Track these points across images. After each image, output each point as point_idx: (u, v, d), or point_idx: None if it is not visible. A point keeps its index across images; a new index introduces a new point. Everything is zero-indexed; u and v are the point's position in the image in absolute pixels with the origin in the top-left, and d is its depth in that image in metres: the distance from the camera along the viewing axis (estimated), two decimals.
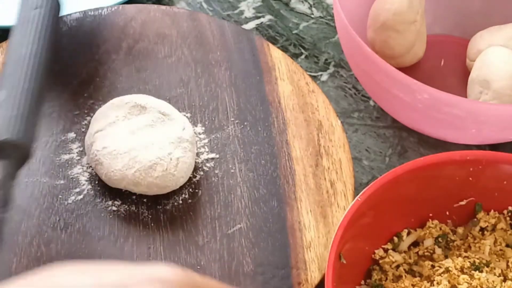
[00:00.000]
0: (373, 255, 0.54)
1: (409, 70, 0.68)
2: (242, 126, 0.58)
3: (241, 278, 0.50)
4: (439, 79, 0.70)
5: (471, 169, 0.54)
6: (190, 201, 0.55)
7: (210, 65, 0.63)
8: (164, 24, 0.66)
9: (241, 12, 0.77)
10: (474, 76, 0.65)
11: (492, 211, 0.56)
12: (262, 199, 0.54)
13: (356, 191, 0.62)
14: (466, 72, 0.68)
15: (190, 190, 0.55)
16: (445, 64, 0.72)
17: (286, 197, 0.54)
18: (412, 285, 0.51)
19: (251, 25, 0.76)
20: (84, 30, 0.65)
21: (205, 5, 0.78)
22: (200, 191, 0.55)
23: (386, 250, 0.54)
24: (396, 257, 0.53)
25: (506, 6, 0.72)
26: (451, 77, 0.71)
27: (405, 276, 0.52)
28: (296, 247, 0.51)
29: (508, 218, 0.56)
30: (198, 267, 0.51)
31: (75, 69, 0.62)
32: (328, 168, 0.56)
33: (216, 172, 0.56)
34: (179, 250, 0.52)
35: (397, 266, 0.53)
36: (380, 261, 0.53)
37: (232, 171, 0.56)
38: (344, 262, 0.49)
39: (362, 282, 0.53)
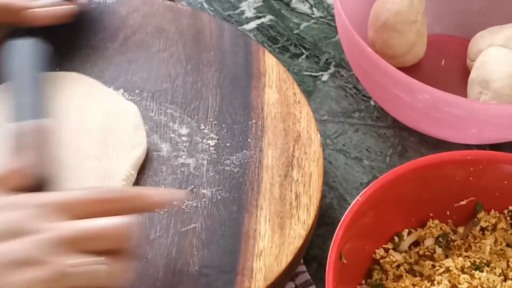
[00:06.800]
0: (373, 255, 0.54)
1: (410, 70, 0.68)
2: (219, 127, 0.58)
3: (184, 277, 0.50)
4: (440, 79, 0.70)
5: (471, 169, 0.54)
6: None
7: (201, 64, 0.63)
8: (165, 18, 0.66)
9: (242, 12, 0.77)
10: (474, 76, 0.65)
11: (493, 210, 0.56)
12: (223, 202, 0.54)
13: (357, 191, 0.63)
14: (467, 72, 0.68)
15: (153, 183, 0.55)
16: (446, 64, 0.72)
17: (247, 203, 0.54)
18: (413, 284, 0.51)
19: (252, 25, 0.76)
20: (85, 16, 0.66)
21: (206, 5, 0.78)
22: (163, 186, 0.55)
23: (386, 250, 0.54)
24: (397, 257, 0.53)
25: (506, 6, 0.72)
26: (451, 77, 0.71)
27: (405, 275, 0.52)
28: (246, 254, 0.51)
29: (508, 218, 0.56)
30: (144, 260, 0.51)
31: (69, 53, 0.63)
32: (297, 180, 0.55)
33: (182, 169, 0.56)
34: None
35: (398, 266, 0.53)
36: (381, 261, 0.53)
37: (199, 170, 0.56)
38: (345, 261, 0.49)
39: (363, 281, 0.53)
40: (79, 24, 0.65)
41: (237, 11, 0.77)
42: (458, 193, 0.55)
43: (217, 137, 0.58)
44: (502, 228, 0.55)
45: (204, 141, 0.58)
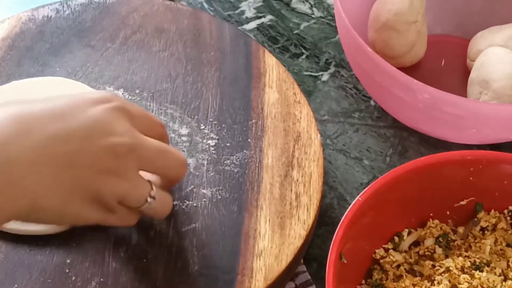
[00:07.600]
0: (373, 255, 0.54)
1: (410, 70, 0.68)
2: (219, 127, 0.58)
3: (184, 277, 0.50)
4: (440, 79, 0.70)
5: (471, 168, 0.54)
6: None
7: (202, 64, 0.63)
8: (165, 18, 0.66)
9: (242, 12, 0.77)
10: (474, 76, 0.65)
11: (493, 210, 0.56)
12: (223, 202, 0.54)
13: (357, 191, 0.63)
14: (467, 72, 0.68)
15: None
16: (446, 64, 0.73)
17: (247, 203, 0.54)
18: (413, 284, 0.51)
19: (252, 25, 0.76)
20: (85, 17, 0.66)
21: (206, 5, 0.78)
22: None
23: (386, 250, 0.54)
24: (397, 257, 0.53)
25: (506, 6, 0.72)
26: (451, 77, 0.71)
27: (405, 275, 0.52)
28: (246, 254, 0.51)
29: (508, 218, 0.56)
30: (144, 259, 0.51)
31: (69, 53, 0.63)
32: (297, 180, 0.55)
33: None
34: (128, 240, 0.52)
35: (398, 266, 0.53)
36: (381, 261, 0.53)
37: (199, 170, 0.56)
38: (345, 261, 0.49)
39: (363, 281, 0.53)
40: (79, 24, 0.66)
41: (237, 11, 0.78)
42: (458, 193, 0.55)
43: (217, 137, 0.58)
44: (502, 228, 0.55)
45: (204, 141, 0.58)
